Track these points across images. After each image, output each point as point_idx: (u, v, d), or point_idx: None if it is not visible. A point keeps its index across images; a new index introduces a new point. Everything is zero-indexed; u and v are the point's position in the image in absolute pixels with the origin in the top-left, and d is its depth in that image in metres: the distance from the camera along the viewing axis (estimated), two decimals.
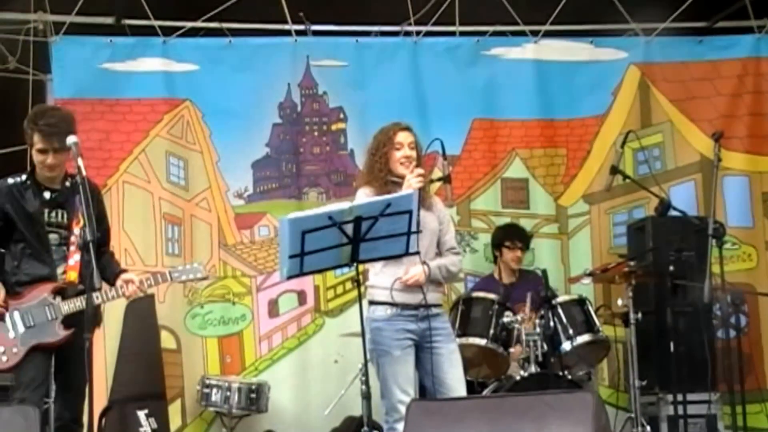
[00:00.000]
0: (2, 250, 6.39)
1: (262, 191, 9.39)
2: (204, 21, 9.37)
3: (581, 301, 8.29)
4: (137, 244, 8.92)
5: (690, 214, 8.66)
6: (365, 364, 6.19)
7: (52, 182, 6.37)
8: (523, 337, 7.99)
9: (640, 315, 8.29)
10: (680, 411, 8.34)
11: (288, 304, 9.22)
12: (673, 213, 8.31)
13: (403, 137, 6.69)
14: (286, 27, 9.43)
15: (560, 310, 8.10)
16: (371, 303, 6.48)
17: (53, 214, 6.38)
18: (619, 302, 8.51)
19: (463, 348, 7.42)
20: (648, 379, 8.39)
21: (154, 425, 8.43)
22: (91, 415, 5.87)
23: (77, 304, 6.23)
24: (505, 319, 7.95)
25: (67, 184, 6.37)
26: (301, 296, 9.23)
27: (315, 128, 9.55)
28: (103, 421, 8.14)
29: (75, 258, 6.35)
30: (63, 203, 6.39)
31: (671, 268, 8.28)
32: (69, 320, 6.25)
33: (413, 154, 6.65)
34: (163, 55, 9.27)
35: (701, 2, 9.66)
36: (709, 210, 7.98)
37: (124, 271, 6.62)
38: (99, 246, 6.10)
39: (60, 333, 6.23)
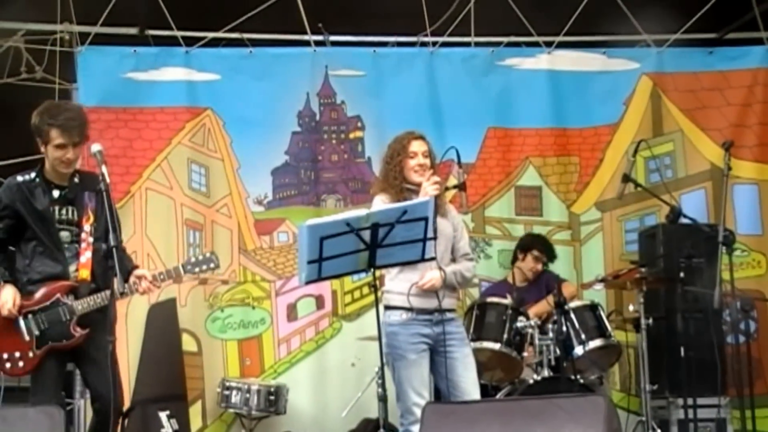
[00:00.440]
0: (12, 249, 6.35)
1: (282, 198, 9.39)
2: (225, 31, 9.39)
3: (593, 307, 8.28)
4: (159, 249, 8.93)
5: (700, 221, 8.66)
6: (382, 368, 6.21)
7: (61, 179, 6.32)
8: (536, 341, 7.99)
9: (651, 320, 8.28)
10: (690, 415, 8.32)
11: (306, 309, 9.21)
12: (683, 220, 8.31)
13: (416, 146, 6.72)
14: (306, 37, 9.44)
15: (573, 316, 8.09)
16: (387, 308, 6.50)
17: (63, 211, 6.33)
18: (631, 308, 8.50)
19: (477, 352, 7.43)
20: (659, 384, 8.39)
21: (176, 426, 8.45)
22: (114, 415, 5.91)
23: (91, 303, 6.18)
24: (519, 324, 7.94)
25: (76, 180, 6.32)
26: (319, 301, 9.23)
27: (333, 136, 9.55)
28: (126, 421, 8.12)
29: (86, 255, 6.30)
30: (72, 200, 6.34)
31: (682, 274, 8.26)
32: (83, 320, 6.22)
33: (427, 162, 6.68)
34: (185, 65, 9.29)
35: (711, 14, 9.65)
36: (719, 218, 7.95)
37: (137, 267, 6.57)
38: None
39: (75, 334, 6.19)
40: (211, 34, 9.38)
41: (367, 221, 5.83)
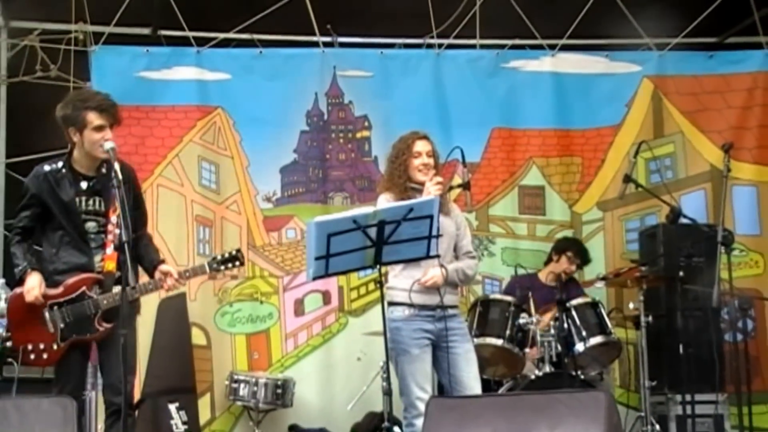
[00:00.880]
0: (39, 248, 6.33)
1: (290, 195, 9.41)
2: (236, 32, 9.41)
3: (594, 304, 8.28)
4: (170, 244, 8.94)
5: (700, 221, 8.66)
6: (387, 362, 6.20)
7: (89, 169, 6.25)
8: (538, 338, 7.99)
9: (650, 318, 8.29)
10: (689, 411, 8.33)
11: (313, 304, 9.23)
12: (683, 220, 8.31)
13: (421, 146, 6.72)
14: (315, 39, 9.46)
15: (574, 313, 8.10)
16: (390, 304, 6.49)
17: (90, 202, 6.25)
18: (631, 305, 8.50)
19: (480, 348, 7.45)
20: (658, 380, 8.39)
21: (185, 418, 8.45)
22: (124, 407, 5.90)
23: (116, 298, 6.16)
24: (521, 321, 7.95)
25: (103, 170, 6.23)
26: (326, 296, 9.24)
27: (341, 136, 9.56)
28: (136, 413, 8.14)
29: (112, 247, 6.26)
30: (100, 191, 6.25)
31: (681, 273, 8.27)
32: (108, 313, 6.17)
33: (431, 161, 6.68)
34: (196, 65, 9.30)
35: (712, 18, 9.65)
36: (718, 218, 7.96)
37: (163, 261, 6.50)
38: (135, 230, 6.09)
39: (99, 328, 6.15)
40: (221, 35, 9.40)
41: (374, 219, 5.82)
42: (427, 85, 9.59)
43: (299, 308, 9.22)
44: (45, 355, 6.10)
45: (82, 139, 6.16)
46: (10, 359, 7.25)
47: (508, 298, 8.20)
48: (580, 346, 8.03)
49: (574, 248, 8.98)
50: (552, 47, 9.71)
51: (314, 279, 6.14)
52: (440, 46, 9.61)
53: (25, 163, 7.78)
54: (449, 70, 9.62)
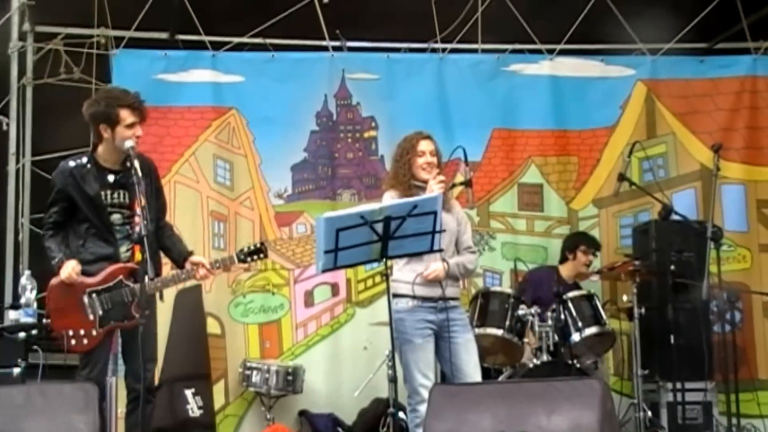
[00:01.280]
0: (51, 246, 6.24)
1: (300, 192, 9.40)
2: (249, 37, 9.40)
3: (590, 297, 8.27)
4: (186, 238, 8.82)
5: (690, 218, 8.70)
6: (392, 351, 6.22)
7: (114, 164, 6.27)
8: (537, 328, 8.00)
9: (643, 310, 8.30)
10: (679, 398, 8.34)
11: (322, 295, 9.23)
12: (674, 217, 8.34)
13: (424, 145, 6.72)
14: (324, 43, 9.46)
15: (570, 305, 8.09)
16: (395, 296, 6.47)
17: (115, 195, 6.27)
18: (625, 298, 8.52)
19: (481, 337, 7.45)
20: (650, 369, 8.40)
21: (200, 403, 8.48)
22: (143, 392, 5.91)
23: (152, 286, 6.15)
24: (520, 312, 7.94)
25: (128, 164, 6.20)
26: (335, 288, 9.24)
27: (349, 135, 9.56)
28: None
29: (132, 240, 6.28)
30: (125, 184, 6.25)
31: (672, 267, 8.29)
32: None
33: (434, 160, 6.69)
34: (212, 68, 9.30)
35: (703, 25, 9.66)
36: (708, 215, 7.98)
37: (192, 252, 6.54)
38: (157, 220, 6.23)
39: (136, 315, 6.16)
40: (236, 39, 9.40)
41: (380, 214, 5.83)
42: (430, 88, 9.58)
43: (309, 299, 9.21)
44: (85, 341, 6.11)
45: (113, 135, 6.19)
46: (35, 347, 7.28)
47: (508, 290, 8.21)
48: (576, 336, 8.03)
49: (583, 240, 9.00)
50: (550, 52, 9.70)
51: (323, 271, 6.20)
52: (443, 50, 9.60)
53: (50, 161, 7.78)
54: (452, 73, 9.61)
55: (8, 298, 8.71)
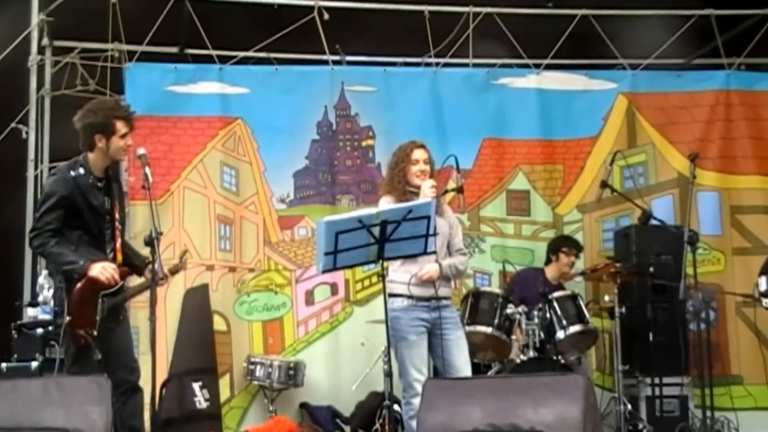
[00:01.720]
0: (64, 252, 6.09)
1: (302, 197, 9.39)
2: (254, 51, 9.43)
3: (574, 297, 8.27)
4: (195, 240, 8.94)
5: (668, 223, 8.68)
6: (388, 347, 6.21)
7: (100, 172, 6.21)
8: (524, 326, 8.00)
9: (624, 309, 8.29)
10: (657, 392, 8.36)
11: (322, 295, 9.22)
12: (653, 222, 8.36)
13: (418, 154, 6.74)
14: (325, 57, 9.45)
15: (556, 304, 8.09)
16: (390, 295, 6.46)
17: (103, 202, 6.24)
18: (607, 298, 8.51)
19: (471, 335, 7.45)
20: (630, 365, 8.39)
21: (207, 396, 8.45)
22: (153, 385, 5.89)
23: (139, 287, 6.18)
24: (508, 311, 7.95)
25: (110, 172, 6.24)
26: (334, 288, 9.23)
27: (348, 144, 9.55)
28: (164, 391, 8.16)
29: (119, 241, 6.25)
30: (108, 190, 6.24)
31: (651, 269, 8.30)
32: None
33: (427, 168, 6.70)
34: (219, 80, 9.28)
35: (680, 42, 9.69)
36: (684, 220, 7.95)
37: (147, 261, 6.40)
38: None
39: (121, 318, 6.20)
40: (242, 54, 9.41)
41: (377, 219, 5.85)
42: (425, 99, 9.56)
43: (310, 298, 9.20)
44: (90, 340, 6.07)
45: (107, 144, 6.15)
46: (52, 342, 7.27)
47: (497, 291, 8.22)
48: (560, 334, 8.02)
49: (565, 243, 8.99)
50: (537, 66, 9.71)
51: (323, 272, 6.22)
52: (437, 64, 9.61)
53: None
54: (445, 86, 9.60)
55: (27, 296, 8.71)
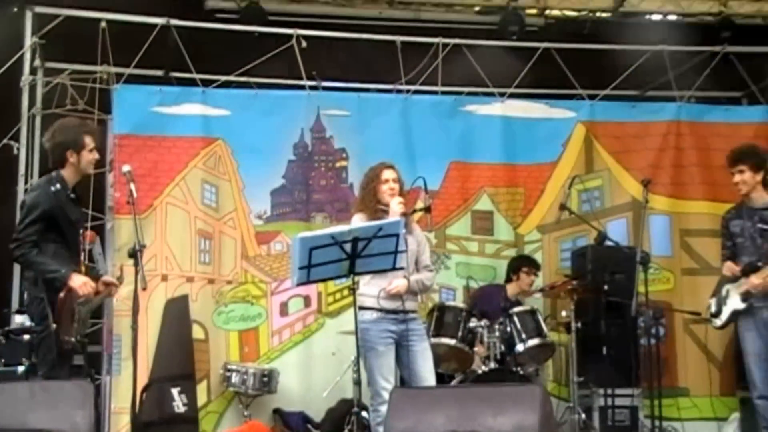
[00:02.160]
0: (46, 261, 6.07)
1: (278, 214, 9.36)
2: (236, 75, 9.42)
3: (533, 312, 8.28)
4: (176, 253, 8.89)
5: (622, 244, 8.73)
6: (357, 357, 6.20)
7: (71, 186, 6.24)
8: (485, 339, 8.00)
9: (580, 324, 8.33)
10: (609, 402, 8.37)
11: (296, 306, 9.18)
12: (608, 243, 8.40)
13: (388, 174, 6.76)
14: (302, 82, 9.45)
15: (516, 318, 8.10)
16: (361, 308, 6.47)
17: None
18: (564, 313, 8.54)
19: (436, 346, 7.45)
20: (584, 376, 8.41)
21: (185, 400, 8.41)
22: (134, 389, 5.87)
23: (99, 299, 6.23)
24: (471, 324, 7.95)
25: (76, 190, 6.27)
26: (307, 300, 9.19)
27: (323, 165, 9.54)
28: (144, 395, 8.11)
29: (82, 254, 6.27)
30: (77, 203, 6.29)
31: (606, 287, 8.32)
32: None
33: (397, 187, 6.72)
34: (202, 102, 9.24)
35: (635, 75, 9.78)
36: (637, 242, 8.02)
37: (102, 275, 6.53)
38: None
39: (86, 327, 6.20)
40: (223, 78, 9.40)
41: (349, 236, 5.85)
42: (396, 124, 9.56)
43: (284, 310, 9.16)
44: (76, 345, 6.03)
45: (78, 159, 6.17)
46: None
47: (461, 305, 8.22)
48: (520, 347, 8.03)
49: (525, 263, 9.00)
50: (502, 95, 9.73)
51: (298, 285, 6.20)
52: (408, 91, 9.62)
53: None
54: (415, 112, 9.60)
55: (15, 304, 8.65)
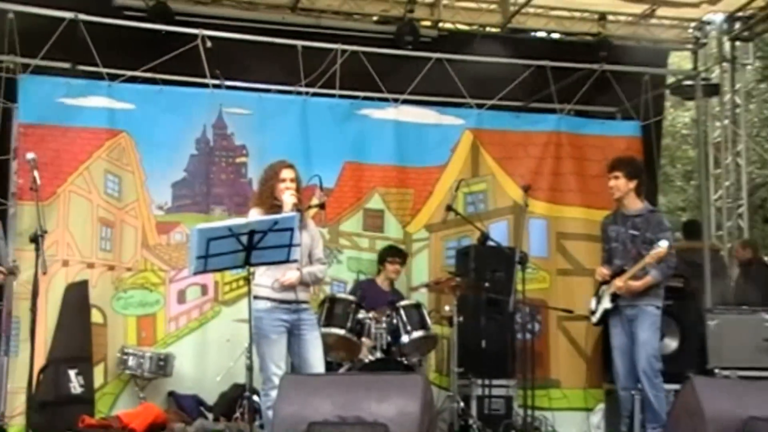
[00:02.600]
0: None
1: (179, 206, 9.23)
2: (142, 71, 9.25)
3: (418, 305, 8.32)
4: (78, 240, 8.71)
5: (503, 245, 8.84)
6: (250, 344, 6.16)
7: None
8: (373, 330, 8.01)
9: (461, 318, 8.39)
10: (486, 392, 8.47)
11: (193, 294, 9.08)
12: (490, 243, 8.50)
13: (286, 174, 6.74)
14: (206, 81, 9.33)
15: (402, 311, 8.12)
16: (255, 297, 6.46)
17: None
18: (447, 308, 8.59)
19: (326, 336, 7.42)
20: (464, 367, 8.48)
21: (82, 382, 8.25)
22: (31, 370, 5.72)
23: None
24: (360, 316, 7.96)
25: None
26: (204, 289, 9.10)
27: (223, 160, 9.44)
28: (41, 376, 7.91)
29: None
30: None
31: (487, 284, 8.41)
32: None
33: (293, 185, 6.69)
34: (107, 95, 9.06)
35: (520, 88, 9.90)
36: (517, 243, 8.14)
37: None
38: None
39: None
40: (129, 73, 9.21)
41: (246, 228, 5.80)
42: (294, 124, 9.51)
43: (181, 297, 9.05)
44: None
45: None
46: None
47: (351, 297, 8.22)
48: (405, 338, 8.05)
49: (390, 252, 8.99)
50: (395, 100, 9.76)
51: (195, 274, 6.13)
52: (307, 93, 9.58)
53: None
54: (313, 113, 9.56)
55: None
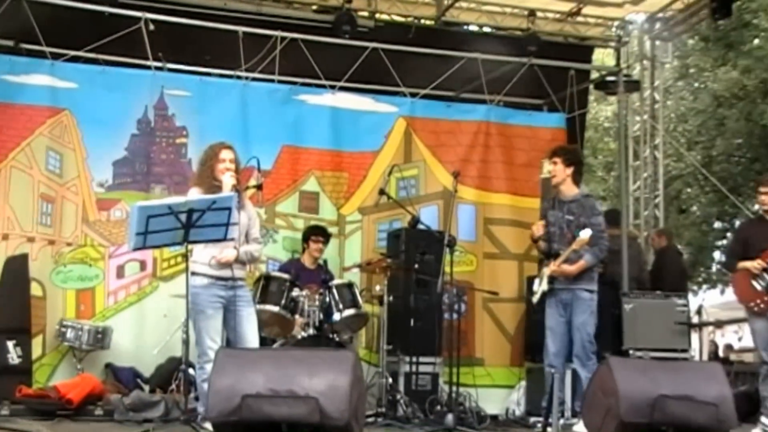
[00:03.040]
0: None
1: (119, 183, 9.13)
2: (85, 51, 9.11)
3: (350, 285, 8.32)
4: (18, 214, 8.59)
5: (432, 228, 8.88)
6: (187, 319, 6.13)
7: None
8: (306, 307, 8.00)
9: (391, 298, 8.40)
10: (414, 369, 8.51)
11: (132, 270, 8.99)
12: (420, 227, 8.53)
13: (225, 154, 6.69)
14: (148, 63, 9.21)
15: (334, 290, 8.12)
16: (193, 274, 6.43)
17: None
18: (378, 288, 8.60)
19: (260, 312, 7.40)
20: (393, 345, 8.51)
21: (20, 353, 8.15)
22: None
23: None
24: (294, 294, 7.95)
25: None
26: (143, 264, 9.01)
27: (164, 140, 9.34)
28: None
29: None
30: None
31: (416, 265, 8.45)
32: None
33: (232, 166, 6.65)
34: (50, 74, 8.91)
35: (452, 78, 9.92)
36: (446, 227, 8.17)
37: None
38: None
39: None
40: (72, 52, 9.07)
41: (185, 207, 5.77)
42: (234, 107, 9.44)
43: (120, 272, 8.95)
44: None
45: None
46: None
47: (286, 276, 8.19)
48: (337, 316, 8.06)
49: (313, 231, 8.93)
50: (332, 87, 9.74)
51: (134, 250, 6.09)
52: (247, 78, 9.50)
53: None
54: (252, 97, 9.50)
55: None
